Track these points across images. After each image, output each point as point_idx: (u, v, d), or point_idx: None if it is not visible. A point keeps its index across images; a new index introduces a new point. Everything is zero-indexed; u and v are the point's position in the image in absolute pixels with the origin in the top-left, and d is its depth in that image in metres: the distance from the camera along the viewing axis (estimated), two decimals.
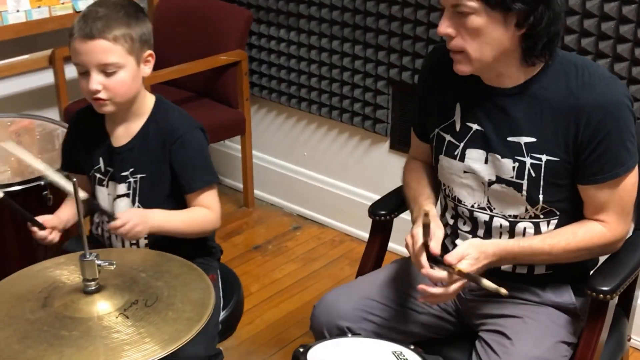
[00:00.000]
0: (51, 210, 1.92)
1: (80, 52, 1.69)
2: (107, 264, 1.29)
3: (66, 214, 1.87)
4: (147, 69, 1.78)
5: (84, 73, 1.71)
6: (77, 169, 1.91)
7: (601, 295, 1.60)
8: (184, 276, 1.38)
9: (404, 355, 1.48)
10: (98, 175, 1.83)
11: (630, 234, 1.72)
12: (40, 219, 1.78)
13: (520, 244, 1.61)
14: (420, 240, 1.58)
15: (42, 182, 2.16)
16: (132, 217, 1.67)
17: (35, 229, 1.77)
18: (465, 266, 1.54)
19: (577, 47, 2.32)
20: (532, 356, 1.58)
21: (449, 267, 1.54)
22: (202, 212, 1.78)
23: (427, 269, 1.57)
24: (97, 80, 1.69)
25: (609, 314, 1.64)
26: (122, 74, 1.70)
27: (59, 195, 2.19)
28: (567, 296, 1.69)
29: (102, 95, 1.70)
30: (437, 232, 1.61)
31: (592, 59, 2.30)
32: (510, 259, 1.62)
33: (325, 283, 2.84)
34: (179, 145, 1.77)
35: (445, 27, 1.53)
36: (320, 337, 1.74)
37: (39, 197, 2.17)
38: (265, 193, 3.38)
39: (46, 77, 3.11)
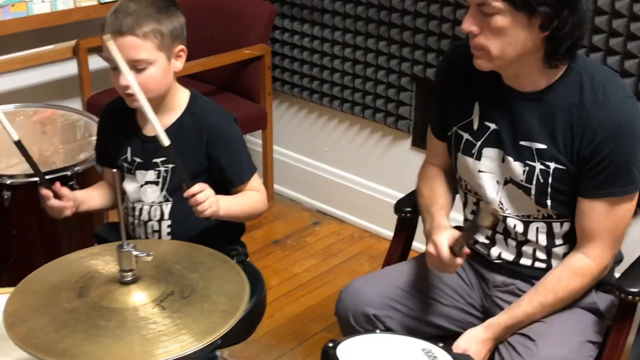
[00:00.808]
0: None
1: None
2: (144, 254, 1.29)
3: (83, 194, 1.88)
4: (178, 64, 1.78)
5: (116, 68, 1.71)
6: (108, 160, 1.92)
7: (630, 296, 1.61)
8: (218, 268, 1.39)
9: (433, 353, 1.48)
10: (125, 165, 1.84)
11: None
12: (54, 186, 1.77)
13: (514, 314, 1.65)
14: (445, 248, 1.60)
15: (69, 173, 2.17)
16: (210, 192, 1.66)
17: (47, 192, 1.76)
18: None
19: (605, 47, 2.31)
20: (557, 357, 1.58)
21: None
22: (254, 195, 1.83)
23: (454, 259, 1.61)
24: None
25: (637, 315, 1.64)
26: (152, 69, 1.71)
27: (86, 186, 2.20)
28: (588, 295, 1.69)
29: (132, 90, 1.71)
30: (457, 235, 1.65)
31: (619, 59, 2.30)
32: (510, 331, 1.65)
33: (344, 279, 2.84)
34: (223, 142, 1.79)
35: (469, 25, 1.54)
36: (345, 323, 1.75)
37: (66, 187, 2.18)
38: (285, 188, 3.38)
39: (70, 68, 3.12)
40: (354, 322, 1.72)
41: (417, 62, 2.76)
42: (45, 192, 1.77)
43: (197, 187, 1.64)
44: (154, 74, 1.71)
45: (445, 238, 1.61)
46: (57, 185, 1.78)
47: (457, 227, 1.77)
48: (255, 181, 1.85)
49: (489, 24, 1.50)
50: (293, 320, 2.63)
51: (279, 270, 2.89)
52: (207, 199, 1.65)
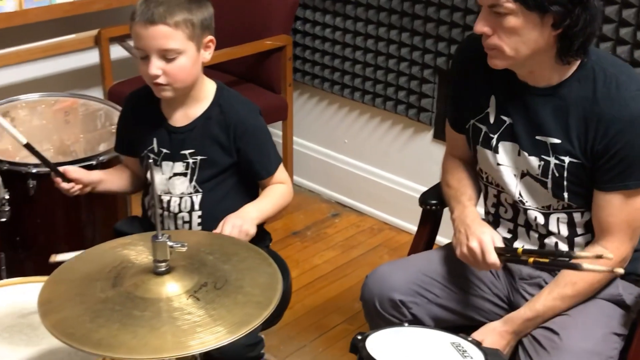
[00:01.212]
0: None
1: (141, 37, 1.69)
2: (179, 245, 1.29)
3: (100, 175, 1.90)
4: (207, 55, 1.77)
5: (145, 57, 1.71)
6: (130, 150, 1.92)
7: None
8: (251, 260, 1.38)
9: (462, 347, 1.47)
10: (151, 155, 1.84)
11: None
12: (62, 168, 1.82)
13: (534, 306, 1.64)
14: (493, 253, 1.60)
15: (94, 162, 2.17)
16: (233, 222, 1.69)
17: (58, 179, 1.82)
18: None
19: (633, 40, 2.29)
20: (582, 350, 1.58)
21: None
22: (281, 189, 1.84)
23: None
24: (157, 66, 1.69)
25: None
26: (182, 59, 1.70)
27: None
28: (612, 287, 1.68)
29: (161, 80, 1.71)
30: (497, 237, 1.65)
31: None
32: (531, 324, 1.65)
33: (364, 271, 2.79)
34: (251, 136, 1.80)
35: (481, 26, 1.55)
36: (370, 308, 1.76)
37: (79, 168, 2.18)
38: (304, 179, 3.37)
39: (91, 57, 3.12)
40: (379, 306, 1.73)
41: (440, 54, 2.75)
42: (55, 179, 1.83)
43: (225, 233, 1.67)
44: (184, 63, 1.70)
45: (490, 238, 1.62)
46: (64, 169, 1.84)
47: None
48: (282, 172, 1.86)
49: (502, 24, 1.51)
50: (313, 311, 2.63)
51: (299, 261, 2.89)
52: (239, 233, 1.67)
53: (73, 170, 1.84)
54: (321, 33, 3.09)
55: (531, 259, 1.57)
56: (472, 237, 1.63)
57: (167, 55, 1.69)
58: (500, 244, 1.63)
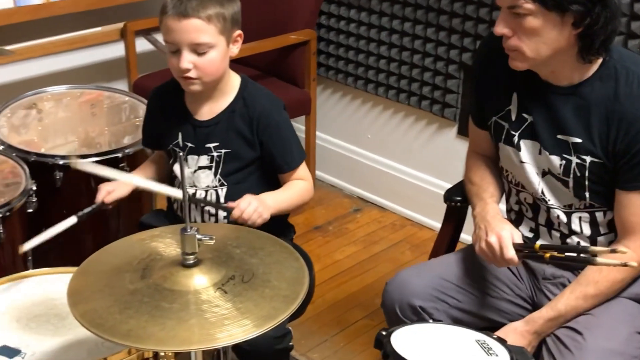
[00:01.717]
0: None
1: (173, 30, 1.69)
2: (207, 238, 1.29)
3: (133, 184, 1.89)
4: (235, 49, 1.78)
5: (175, 51, 1.71)
6: (156, 144, 1.93)
7: None
8: (277, 254, 1.39)
9: (487, 345, 1.47)
10: (176, 149, 1.85)
11: None
12: (106, 192, 1.85)
13: (556, 306, 1.63)
14: (511, 249, 1.59)
15: (120, 155, 2.19)
16: (250, 200, 1.69)
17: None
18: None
19: None
20: (606, 349, 1.57)
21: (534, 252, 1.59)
22: (301, 185, 1.84)
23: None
24: (188, 59, 1.69)
25: None
26: (213, 53, 1.70)
27: (136, 167, 2.21)
28: (636, 285, 1.67)
29: (191, 74, 1.71)
30: (516, 233, 1.64)
31: None
32: (553, 324, 1.64)
33: (386, 266, 2.83)
34: (274, 130, 1.80)
35: (501, 28, 1.54)
36: (391, 314, 1.76)
37: (116, 168, 2.20)
38: (326, 174, 3.37)
39: (117, 50, 3.14)
40: (400, 313, 1.73)
41: (466, 50, 2.73)
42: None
43: (238, 210, 1.67)
44: (215, 57, 1.71)
45: (509, 234, 1.60)
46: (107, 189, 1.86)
47: None
48: (304, 170, 1.86)
49: (522, 25, 1.51)
50: (335, 306, 2.63)
51: (320, 256, 2.89)
52: (253, 212, 1.67)
53: (114, 197, 1.86)
54: (346, 28, 3.08)
55: (547, 255, 1.56)
56: (491, 233, 1.62)
57: (198, 50, 1.69)
58: (520, 241, 1.62)
